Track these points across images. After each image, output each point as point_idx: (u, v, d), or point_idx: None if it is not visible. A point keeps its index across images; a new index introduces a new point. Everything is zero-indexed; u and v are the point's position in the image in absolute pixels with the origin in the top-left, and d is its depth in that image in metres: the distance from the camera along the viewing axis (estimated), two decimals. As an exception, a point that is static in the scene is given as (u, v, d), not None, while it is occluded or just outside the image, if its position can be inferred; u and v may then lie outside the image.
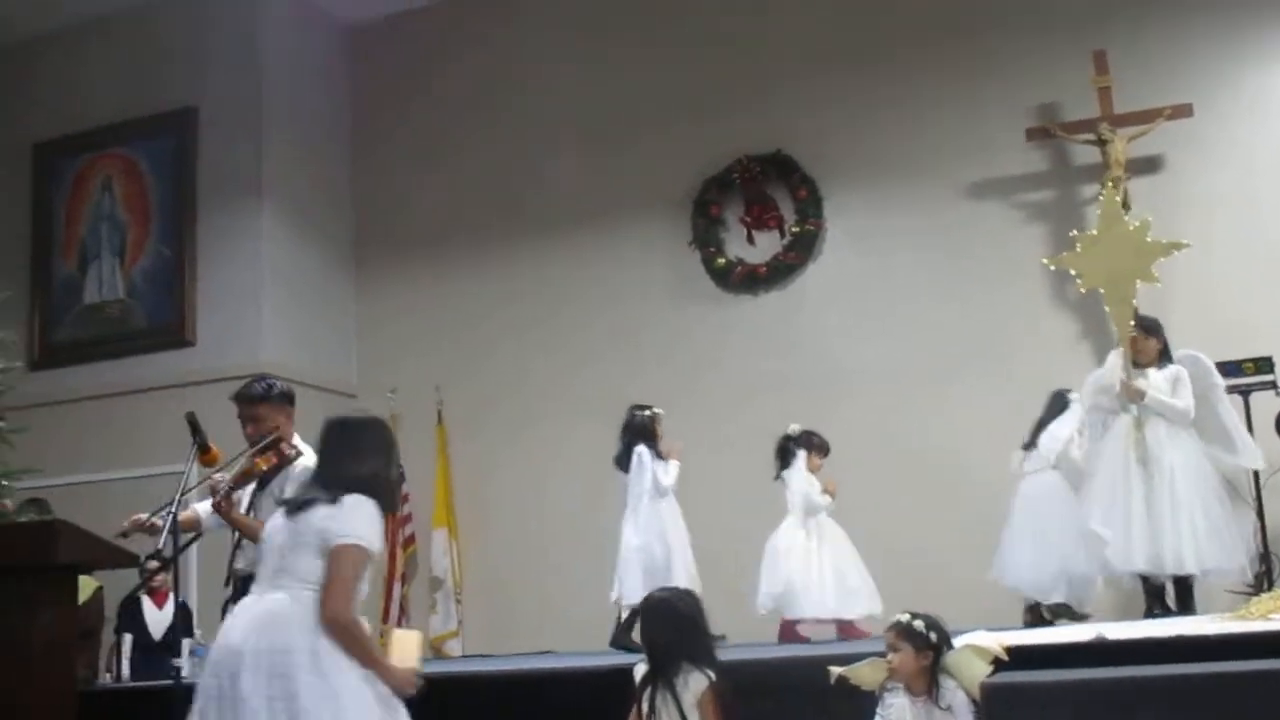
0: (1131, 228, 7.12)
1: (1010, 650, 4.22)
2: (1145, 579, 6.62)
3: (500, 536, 9.83)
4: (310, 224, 10.59)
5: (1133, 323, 6.93)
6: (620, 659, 5.06)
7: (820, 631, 7.38)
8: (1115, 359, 6.93)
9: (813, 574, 7.26)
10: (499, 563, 9.77)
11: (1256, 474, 7.11)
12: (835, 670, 4.29)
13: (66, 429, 9.77)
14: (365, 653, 3.79)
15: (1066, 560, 6.86)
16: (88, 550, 4.95)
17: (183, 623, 7.85)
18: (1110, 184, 8.17)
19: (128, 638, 7.80)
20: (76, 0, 10.59)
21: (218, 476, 5.24)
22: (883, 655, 4.24)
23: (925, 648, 4.15)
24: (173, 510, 4.99)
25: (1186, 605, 6.52)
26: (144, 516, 5.16)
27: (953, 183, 9.16)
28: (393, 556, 9.49)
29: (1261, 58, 8.63)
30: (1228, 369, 7.17)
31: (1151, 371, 6.81)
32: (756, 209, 9.76)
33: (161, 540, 5.00)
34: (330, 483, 3.93)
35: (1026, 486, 7.24)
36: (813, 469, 7.56)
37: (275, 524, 3.98)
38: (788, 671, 5.11)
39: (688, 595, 4.70)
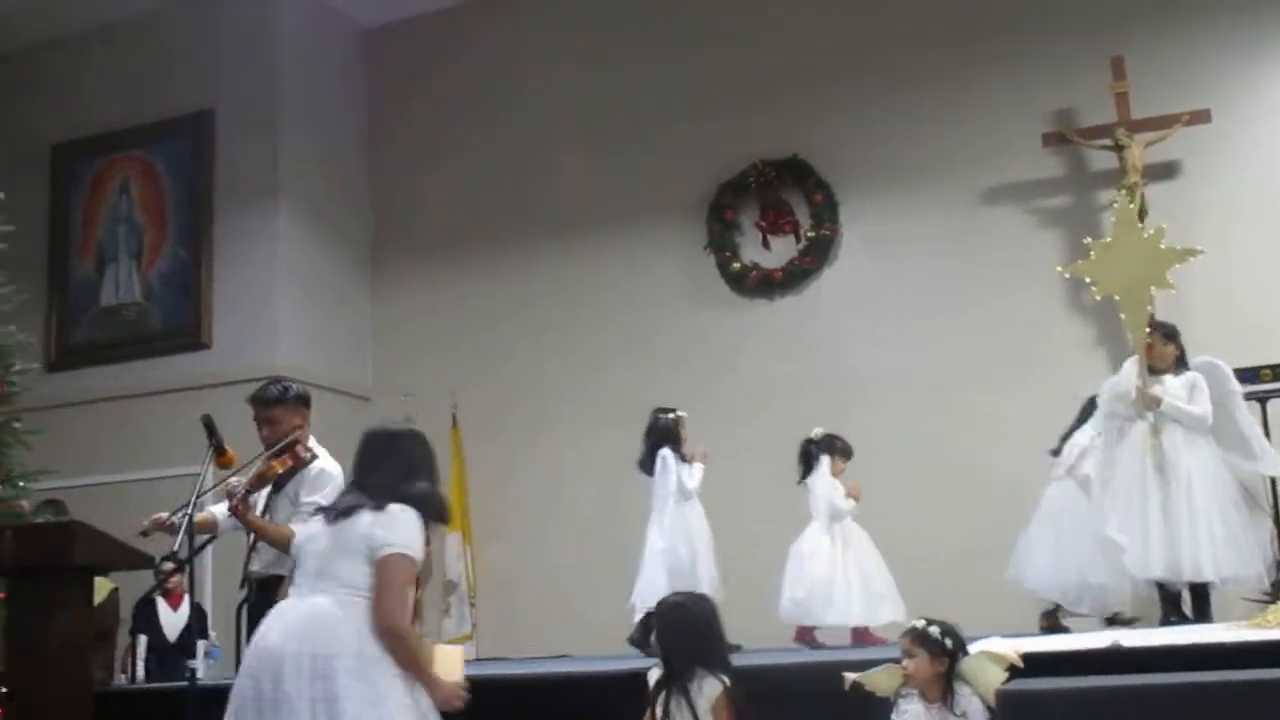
0: (1146, 235, 7.10)
1: (1025, 657, 4.21)
2: (1162, 586, 6.59)
3: (515, 540, 9.84)
4: (326, 226, 10.61)
5: (1149, 329, 6.91)
6: (635, 663, 5.06)
7: (835, 636, 7.36)
8: (1132, 366, 6.91)
9: (838, 580, 7.21)
10: (513, 566, 9.77)
11: (1274, 481, 7.08)
12: (850, 676, 4.29)
13: (83, 430, 9.79)
14: (417, 663, 3.81)
15: (1084, 568, 6.85)
16: (104, 551, 4.96)
17: (197, 624, 7.87)
18: (1125, 191, 8.15)
19: (142, 639, 7.83)
20: (95, 4, 10.64)
21: (234, 479, 5.25)
22: (898, 661, 4.23)
23: (940, 654, 4.15)
24: (189, 512, 5.01)
25: (1203, 613, 6.49)
26: (164, 515, 5.19)
27: (969, 188, 9.14)
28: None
29: (1279, 61, 8.60)
30: (1245, 375, 7.13)
31: (1168, 378, 6.79)
32: (772, 214, 9.75)
33: (177, 542, 5.01)
34: (374, 491, 3.93)
35: (1050, 491, 7.24)
36: (836, 473, 7.50)
37: (314, 529, 3.99)
38: (802, 677, 5.10)
39: (703, 600, 4.70)
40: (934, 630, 4.18)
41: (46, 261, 10.86)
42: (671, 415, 7.47)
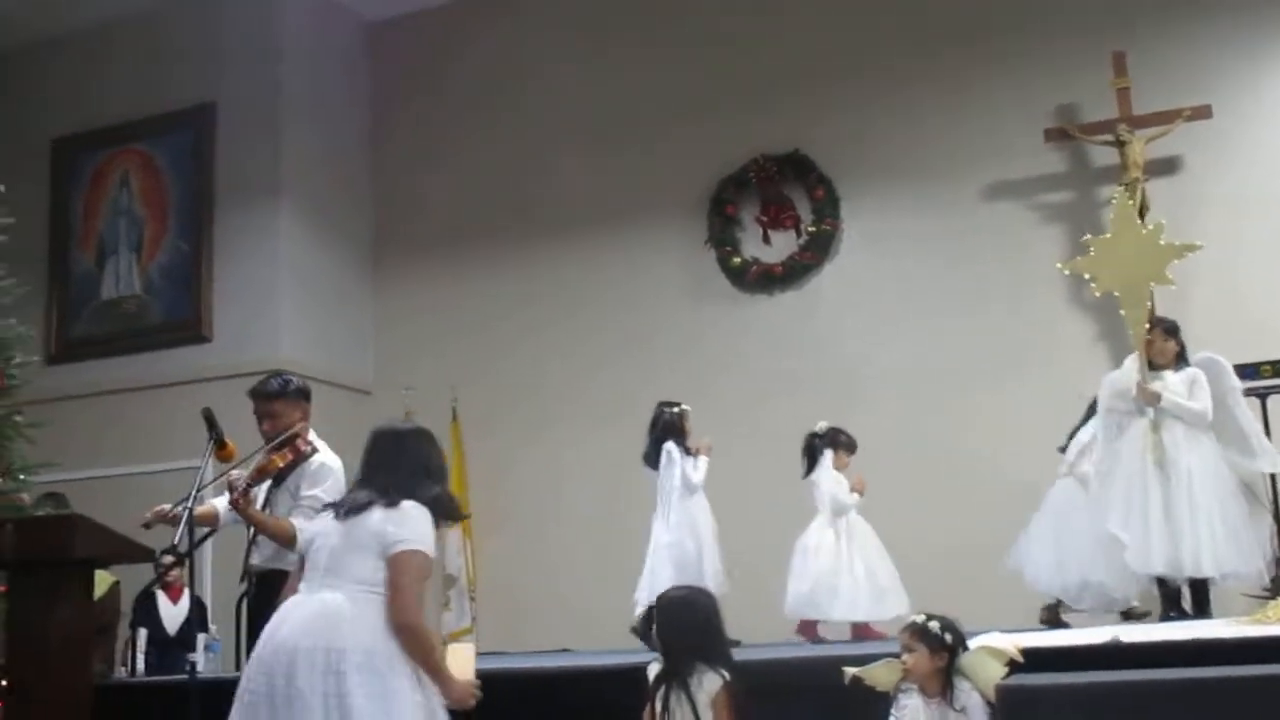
0: (1145, 231, 7.10)
1: (1025, 652, 4.21)
2: (1162, 582, 6.60)
3: (514, 534, 9.85)
4: (328, 221, 10.61)
5: (1149, 325, 6.91)
6: (634, 658, 5.06)
7: (835, 631, 7.36)
8: (1132, 362, 6.91)
9: (843, 575, 7.19)
10: (513, 560, 9.78)
11: (1274, 477, 7.08)
12: (850, 671, 4.29)
13: (83, 424, 9.80)
14: (433, 660, 3.83)
15: (1084, 566, 6.84)
16: (105, 545, 4.96)
17: (197, 618, 7.88)
18: (1123, 188, 8.15)
19: (142, 632, 7.83)
20: (96, -1, 10.66)
21: (234, 473, 5.25)
22: (897, 656, 4.24)
23: (940, 649, 4.15)
24: (189, 505, 5.01)
25: (1202, 608, 6.49)
26: (166, 507, 5.19)
27: (970, 184, 9.14)
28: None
29: (1280, 58, 8.62)
30: (1245, 372, 7.13)
31: (1168, 374, 6.79)
32: (773, 209, 9.76)
33: (177, 535, 5.01)
34: (384, 488, 3.94)
35: (1053, 489, 7.23)
36: (840, 467, 7.48)
37: (324, 525, 4.00)
38: (802, 672, 5.10)
39: (704, 594, 4.70)
40: (934, 625, 4.18)
41: (47, 254, 10.87)
42: (676, 409, 7.48)
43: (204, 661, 7.10)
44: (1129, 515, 6.53)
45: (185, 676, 5.14)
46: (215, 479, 5.48)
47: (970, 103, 9.18)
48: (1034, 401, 8.43)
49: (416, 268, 10.76)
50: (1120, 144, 8.56)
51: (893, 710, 4.21)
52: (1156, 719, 3.87)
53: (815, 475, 7.49)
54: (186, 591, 8.07)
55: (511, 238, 10.41)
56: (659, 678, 4.30)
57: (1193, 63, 8.68)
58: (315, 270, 10.43)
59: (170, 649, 7.85)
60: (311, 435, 5.43)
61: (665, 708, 4.21)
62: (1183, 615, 6.50)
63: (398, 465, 4.02)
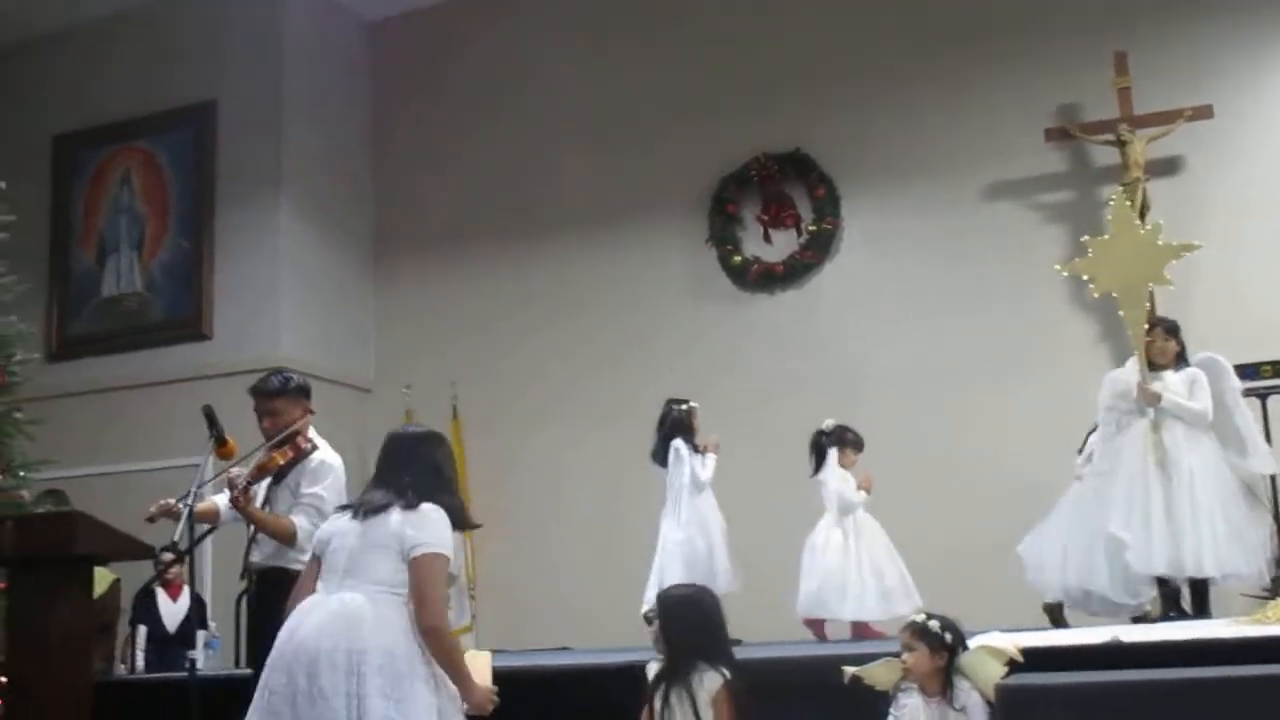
0: (1143, 232, 7.10)
1: (1025, 652, 4.21)
2: (1162, 582, 6.59)
3: (514, 532, 9.83)
4: (328, 219, 10.61)
5: (1149, 325, 6.90)
6: (634, 656, 5.06)
7: (837, 630, 7.35)
8: (1134, 363, 6.91)
9: (851, 573, 7.17)
10: (513, 558, 9.77)
11: (1274, 478, 7.08)
12: (849, 670, 4.30)
13: (84, 421, 9.81)
14: (457, 664, 3.86)
15: (1084, 574, 6.81)
16: (105, 542, 4.96)
17: (197, 615, 7.89)
18: (1121, 189, 8.15)
19: (142, 630, 7.84)
20: (97, -6, 10.66)
21: (234, 471, 5.25)
22: (897, 655, 4.24)
23: (940, 648, 4.16)
24: (189, 503, 5.01)
25: (1202, 608, 6.49)
26: (171, 501, 5.18)
27: (971, 184, 9.14)
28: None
29: (1282, 58, 8.61)
30: (1246, 372, 7.13)
31: (1168, 374, 6.78)
32: (773, 207, 9.76)
33: (177, 532, 5.01)
34: (400, 490, 3.96)
35: (1068, 493, 7.18)
36: (847, 465, 7.45)
37: (341, 525, 4.01)
38: (802, 671, 5.10)
39: (707, 593, 4.71)
40: (934, 625, 4.19)
41: (48, 252, 10.87)
42: (684, 406, 7.47)
43: (204, 659, 7.11)
44: (1130, 515, 6.52)
45: (185, 674, 5.15)
46: (215, 476, 5.48)
47: (971, 102, 9.18)
48: (1035, 401, 8.44)
49: (417, 266, 10.77)
50: (1121, 144, 8.56)
51: (892, 709, 4.22)
52: (1156, 718, 3.87)
53: (822, 474, 7.45)
54: (186, 589, 8.08)
55: (512, 236, 10.41)
56: (658, 676, 4.30)
57: (1194, 63, 8.68)
58: (316, 268, 10.43)
59: (170, 646, 7.84)
60: (311, 433, 5.42)
61: (665, 705, 4.22)
62: (1182, 615, 6.50)
63: (412, 468, 4.04)
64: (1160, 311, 7.33)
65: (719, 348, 9.59)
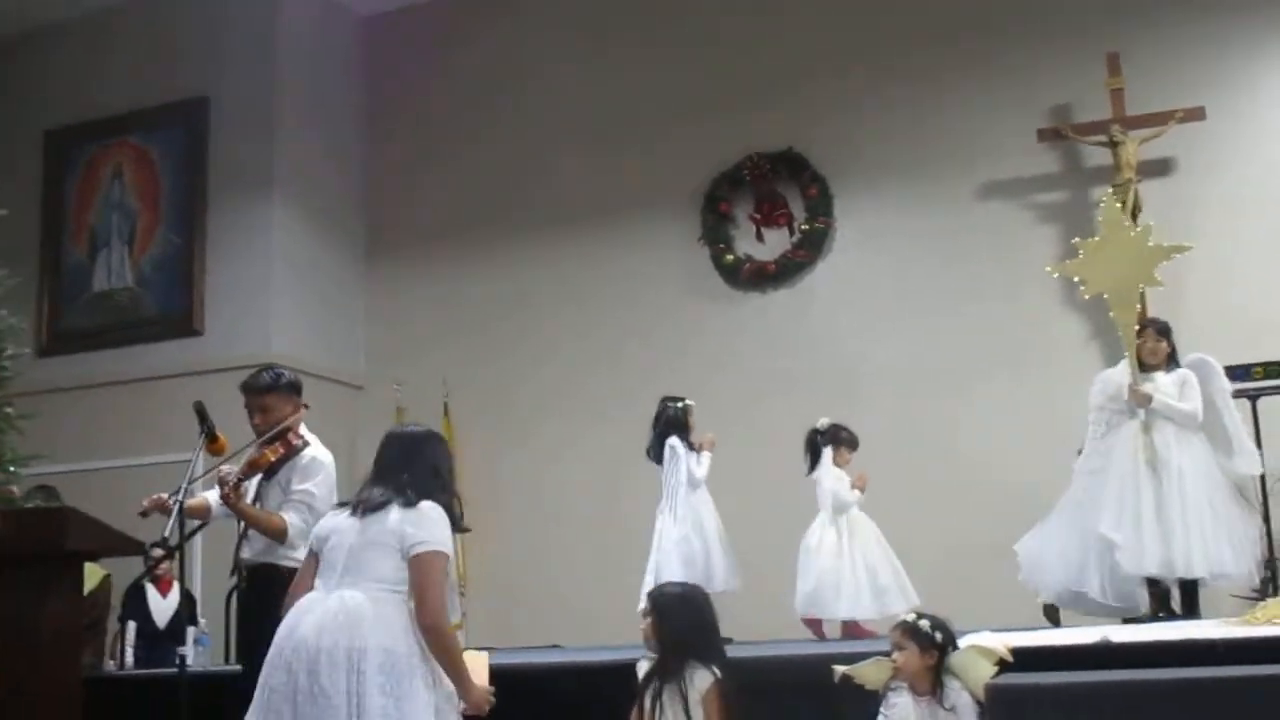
0: (1133, 233, 7.10)
1: (1015, 652, 4.22)
2: (1152, 582, 6.60)
3: (506, 530, 9.82)
4: (321, 215, 10.60)
5: (1139, 326, 6.92)
6: (625, 654, 5.07)
7: (829, 629, 7.34)
8: (1124, 365, 6.92)
9: (845, 573, 7.13)
10: (504, 556, 9.77)
11: (1263, 479, 7.09)
12: (840, 669, 4.30)
13: (74, 416, 9.78)
14: (457, 662, 3.87)
15: (1072, 576, 6.80)
16: (96, 538, 4.97)
17: (187, 611, 7.85)
18: (1111, 190, 8.16)
19: (132, 625, 7.81)
20: (90, -11, 10.64)
21: (225, 467, 5.24)
22: (888, 654, 4.24)
23: (930, 647, 4.16)
24: (179, 499, 5.00)
25: (1191, 609, 6.50)
26: (164, 496, 5.18)
27: (964, 183, 9.15)
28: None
29: (1274, 60, 8.63)
30: (1237, 373, 7.14)
31: (1159, 375, 6.79)
32: (766, 206, 9.77)
33: (168, 528, 5.01)
34: (401, 488, 3.97)
35: (1068, 493, 7.17)
36: (841, 464, 7.41)
37: (339, 523, 4.01)
38: (792, 670, 5.10)
39: (700, 592, 4.73)
40: (924, 624, 4.19)
41: (39, 246, 10.85)
42: (680, 404, 7.47)
43: (193, 655, 7.06)
44: (1121, 516, 6.53)
45: (175, 670, 5.13)
46: (206, 472, 5.48)
47: (964, 102, 9.18)
48: (1029, 399, 8.46)
49: (409, 263, 10.76)
50: (1114, 145, 8.57)
51: (882, 708, 4.22)
52: (1146, 719, 3.88)
53: (817, 472, 7.43)
54: (176, 585, 8.05)
55: (505, 234, 10.40)
56: (649, 674, 4.31)
57: (1187, 64, 8.70)
58: (308, 264, 10.42)
59: (160, 642, 7.81)
60: (303, 429, 5.42)
61: (655, 704, 4.22)
62: (1172, 615, 6.51)
63: (411, 466, 4.05)
64: (1152, 312, 7.36)
65: (712, 346, 9.59)
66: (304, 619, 3.82)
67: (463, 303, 10.46)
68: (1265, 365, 7.51)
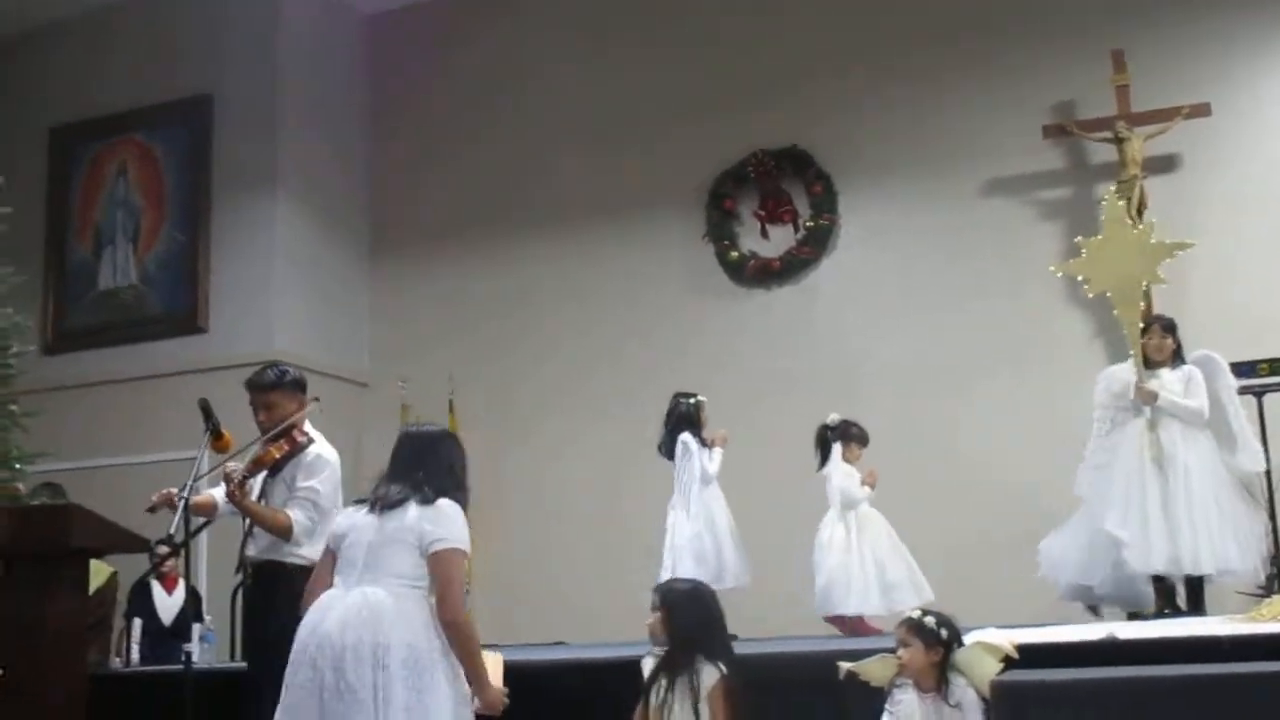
0: (1135, 230, 7.10)
1: (1020, 648, 4.21)
2: (1158, 579, 6.60)
3: (510, 527, 9.82)
4: (325, 212, 10.60)
5: (1144, 323, 6.90)
6: (629, 651, 5.07)
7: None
8: (1131, 361, 6.90)
9: (854, 569, 7.12)
10: (508, 553, 9.75)
11: (1269, 475, 7.08)
12: (845, 666, 4.30)
13: (79, 414, 9.80)
14: (475, 658, 3.94)
15: (1075, 574, 6.79)
16: (101, 535, 4.97)
17: (192, 608, 7.87)
18: (1114, 187, 8.15)
19: (137, 622, 7.82)
20: (94, -13, 10.64)
21: (231, 464, 5.25)
22: (893, 651, 4.24)
23: (935, 644, 4.15)
24: (185, 496, 5.01)
25: (1197, 605, 6.50)
26: (173, 491, 5.18)
27: (968, 180, 9.14)
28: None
29: (1278, 57, 8.60)
30: (1242, 370, 7.13)
31: (1164, 372, 6.78)
32: (771, 203, 9.76)
33: (173, 525, 5.01)
34: (418, 485, 4.01)
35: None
36: (851, 460, 7.38)
37: (357, 519, 4.04)
38: (798, 667, 5.10)
39: (706, 589, 4.73)
40: (929, 621, 4.19)
41: (44, 244, 10.85)
42: (693, 400, 7.45)
43: (199, 652, 7.08)
44: (1127, 514, 6.52)
45: (180, 667, 5.14)
46: (211, 470, 5.47)
47: (969, 99, 9.17)
48: (1033, 396, 8.45)
49: (414, 260, 10.76)
50: (1119, 141, 8.56)
51: (888, 705, 4.21)
52: (1151, 715, 3.88)
53: (826, 468, 7.41)
54: (182, 582, 8.06)
55: (509, 231, 10.40)
56: (655, 670, 4.31)
57: (1192, 61, 8.68)
58: (312, 262, 10.42)
59: (165, 639, 7.83)
60: (307, 426, 5.42)
61: (661, 700, 4.22)
62: (1178, 612, 6.51)
63: (428, 465, 4.09)
64: (1157, 309, 7.34)
65: (716, 344, 9.58)
66: (327, 615, 3.85)
67: (466, 300, 10.46)
68: (1271, 361, 7.49)
